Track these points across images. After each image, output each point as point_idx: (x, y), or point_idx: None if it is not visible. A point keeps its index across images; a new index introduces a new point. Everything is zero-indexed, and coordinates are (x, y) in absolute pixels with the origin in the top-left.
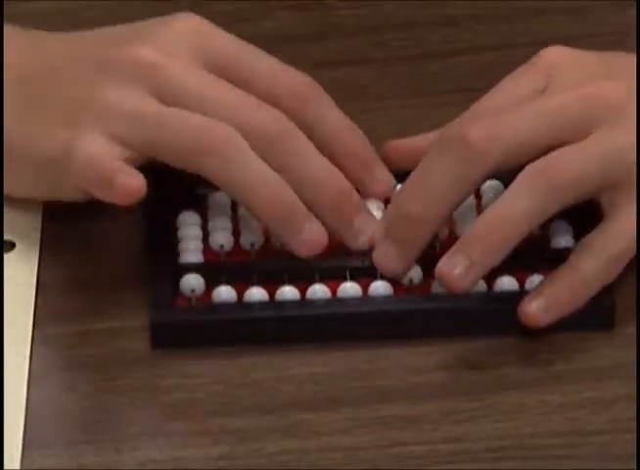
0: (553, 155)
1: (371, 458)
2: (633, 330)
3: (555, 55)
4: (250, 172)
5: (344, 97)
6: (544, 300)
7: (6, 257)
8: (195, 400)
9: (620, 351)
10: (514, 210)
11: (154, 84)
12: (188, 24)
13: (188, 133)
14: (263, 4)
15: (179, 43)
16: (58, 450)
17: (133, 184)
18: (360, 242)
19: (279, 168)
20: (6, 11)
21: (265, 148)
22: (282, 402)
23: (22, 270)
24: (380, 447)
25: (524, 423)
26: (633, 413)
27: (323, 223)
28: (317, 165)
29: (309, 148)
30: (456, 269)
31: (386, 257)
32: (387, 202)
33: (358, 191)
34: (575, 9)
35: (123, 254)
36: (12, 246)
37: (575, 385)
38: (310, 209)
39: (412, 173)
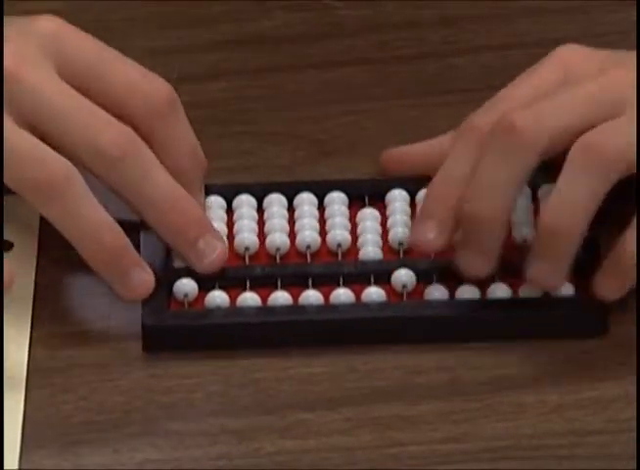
0: (596, 130)
1: (369, 458)
2: (633, 330)
3: (568, 52)
4: (79, 217)
5: (344, 97)
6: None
7: (5, 256)
8: (193, 401)
9: (620, 350)
10: (577, 193)
11: (7, 95)
12: (48, 28)
13: (27, 169)
14: (262, 4)
15: (37, 47)
16: (56, 451)
17: None
18: (204, 264)
19: (121, 192)
20: (6, 11)
21: (105, 172)
22: (281, 403)
23: (21, 270)
24: (378, 448)
25: (523, 423)
26: (632, 413)
27: (169, 244)
28: (159, 189)
29: (153, 170)
30: (543, 271)
31: (468, 261)
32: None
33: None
34: (575, 9)
35: None
36: (10, 246)
37: (574, 385)
38: (156, 230)
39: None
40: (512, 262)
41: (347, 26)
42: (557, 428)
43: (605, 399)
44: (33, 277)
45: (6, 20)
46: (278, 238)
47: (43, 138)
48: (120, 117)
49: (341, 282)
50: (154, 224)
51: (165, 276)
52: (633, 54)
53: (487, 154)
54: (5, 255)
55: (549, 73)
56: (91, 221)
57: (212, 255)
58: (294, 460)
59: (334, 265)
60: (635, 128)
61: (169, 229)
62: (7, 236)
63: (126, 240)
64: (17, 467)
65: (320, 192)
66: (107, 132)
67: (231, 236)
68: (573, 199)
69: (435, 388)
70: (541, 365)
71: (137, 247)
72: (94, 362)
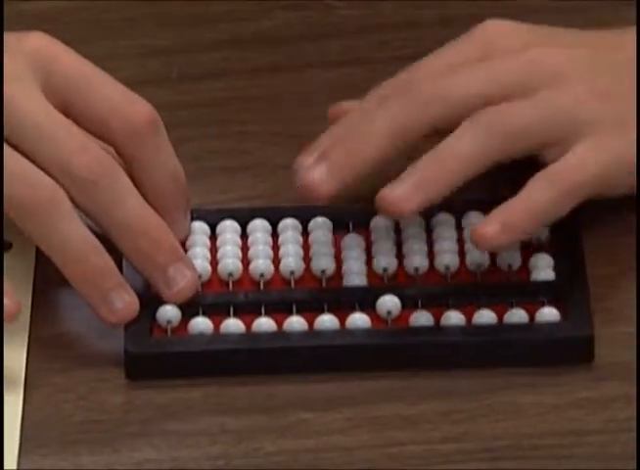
0: (501, 105)
1: (369, 458)
2: (633, 330)
3: (492, 27)
4: (62, 237)
5: (343, 97)
6: (498, 223)
7: (5, 256)
8: (192, 400)
9: (619, 350)
10: (455, 150)
11: None
12: (35, 45)
13: (12, 187)
14: (261, 4)
15: (24, 65)
16: (55, 450)
17: None
18: (173, 292)
19: (94, 216)
20: (6, 11)
21: (77, 194)
22: (280, 402)
23: (20, 270)
24: (378, 447)
25: (522, 423)
26: (631, 413)
27: (138, 270)
28: (130, 215)
29: (126, 196)
30: (397, 192)
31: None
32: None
33: None
34: (575, 9)
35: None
36: (10, 246)
37: (573, 385)
38: (126, 256)
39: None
40: (493, 288)
41: (347, 26)
42: (556, 428)
43: (605, 399)
44: (33, 277)
45: None
46: (262, 264)
47: (26, 155)
48: (102, 137)
49: (325, 308)
50: (124, 250)
51: (148, 302)
52: (561, 30)
53: (383, 106)
54: (5, 254)
55: (468, 48)
56: (75, 242)
57: (182, 282)
58: (293, 460)
59: (318, 292)
60: (540, 109)
61: (139, 255)
62: (7, 236)
63: (110, 261)
64: (16, 467)
65: (304, 218)
66: (81, 155)
67: (214, 262)
68: (458, 150)
69: (435, 387)
70: (541, 365)
71: (120, 272)
72: (94, 362)
